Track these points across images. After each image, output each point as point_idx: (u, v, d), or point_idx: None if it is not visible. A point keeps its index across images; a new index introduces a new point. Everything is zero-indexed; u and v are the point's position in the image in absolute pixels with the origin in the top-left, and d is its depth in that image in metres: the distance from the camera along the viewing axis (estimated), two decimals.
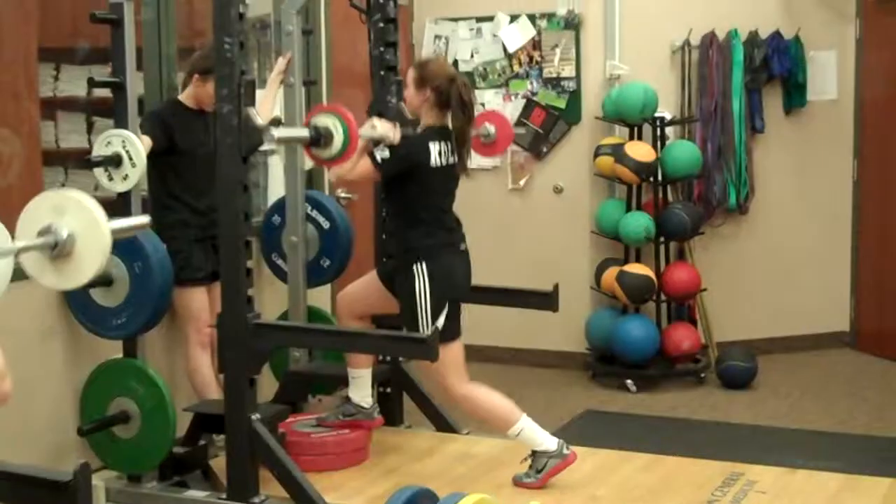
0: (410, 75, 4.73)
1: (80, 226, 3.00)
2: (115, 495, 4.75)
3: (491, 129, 5.60)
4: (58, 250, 2.99)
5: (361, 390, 5.02)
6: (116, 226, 3.12)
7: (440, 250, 4.62)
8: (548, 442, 4.66)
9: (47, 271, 3.06)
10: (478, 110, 5.35)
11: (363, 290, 4.98)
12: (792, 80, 7.37)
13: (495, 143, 5.65)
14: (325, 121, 4.34)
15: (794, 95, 7.43)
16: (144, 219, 3.49)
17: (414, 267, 4.59)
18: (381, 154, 4.55)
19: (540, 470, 4.63)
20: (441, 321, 4.59)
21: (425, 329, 4.57)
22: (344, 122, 4.32)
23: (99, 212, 3.01)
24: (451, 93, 4.62)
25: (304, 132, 4.35)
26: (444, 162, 4.66)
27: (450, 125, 4.68)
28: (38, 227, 3.02)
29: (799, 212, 7.53)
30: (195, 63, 5.17)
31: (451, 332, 4.63)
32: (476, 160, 7.16)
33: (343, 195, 6.44)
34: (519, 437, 4.66)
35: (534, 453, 4.66)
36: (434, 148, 4.62)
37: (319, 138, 4.32)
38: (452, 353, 4.66)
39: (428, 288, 4.58)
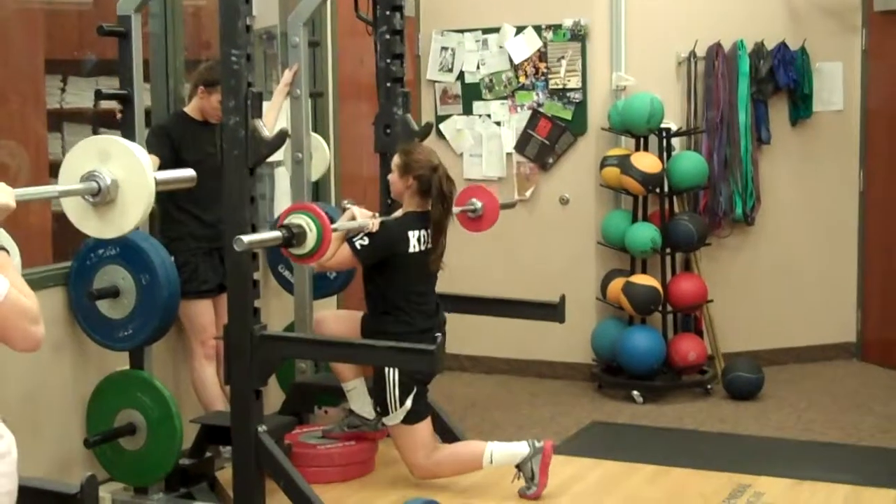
0: (395, 161, 4.86)
1: (125, 172, 2.98)
2: None
3: (478, 203, 5.62)
4: (101, 196, 2.97)
5: (359, 401, 5.03)
6: (161, 177, 3.10)
7: (412, 337, 4.64)
8: (520, 450, 4.71)
9: (89, 218, 3.04)
10: (465, 184, 5.38)
11: (344, 325, 4.98)
12: (798, 91, 7.37)
13: (482, 217, 5.66)
14: (298, 220, 4.37)
15: (801, 106, 7.43)
16: (189, 172, 3.44)
17: None
18: (360, 241, 4.63)
19: (531, 477, 4.66)
20: (409, 403, 4.69)
21: (394, 411, 4.69)
22: (317, 220, 4.35)
23: (145, 160, 2.99)
24: (433, 182, 4.74)
25: (276, 234, 4.37)
26: (423, 248, 4.76)
27: (430, 211, 4.77)
28: (82, 172, 3.00)
29: (805, 223, 7.53)
30: (200, 75, 5.18)
31: (418, 414, 4.73)
32: (482, 170, 7.22)
33: (348, 205, 6.43)
34: (494, 462, 4.74)
35: (518, 467, 4.68)
36: (413, 235, 4.73)
37: (292, 238, 4.35)
38: (420, 434, 4.77)
39: (396, 373, 4.66)
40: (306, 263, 4.71)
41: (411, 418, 4.70)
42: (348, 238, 4.64)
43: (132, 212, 3.03)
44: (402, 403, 4.66)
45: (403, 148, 4.95)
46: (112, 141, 3.10)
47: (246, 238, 4.22)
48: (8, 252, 2.52)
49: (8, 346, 2.44)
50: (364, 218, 4.67)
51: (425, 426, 4.78)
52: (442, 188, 4.74)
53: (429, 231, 4.77)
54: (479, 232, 5.72)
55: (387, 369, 4.66)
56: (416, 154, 4.83)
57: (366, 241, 4.63)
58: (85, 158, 3.03)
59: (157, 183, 3.12)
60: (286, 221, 4.39)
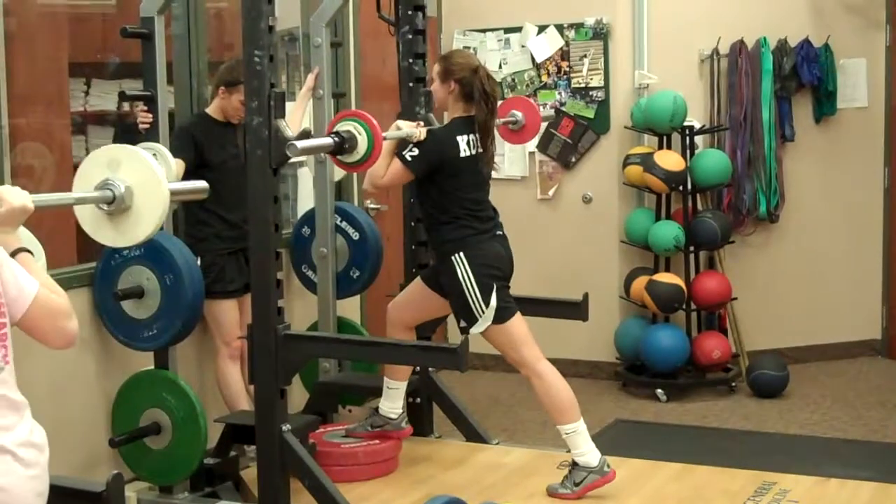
0: (435, 68, 4.78)
1: (139, 181, 2.98)
2: None
3: (518, 115, 5.60)
4: (115, 205, 2.97)
5: (394, 402, 5.03)
6: (174, 188, 3.10)
7: (475, 238, 4.62)
8: (591, 455, 4.63)
9: (104, 227, 3.04)
10: (508, 94, 5.34)
11: (410, 296, 4.97)
12: (822, 88, 7.34)
13: (524, 129, 5.65)
14: (347, 126, 4.35)
15: (825, 103, 7.40)
16: (202, 184, 3.45)
17: (452, 258, 4.60)
18: (410, 153, 4.57)
19: (578, 483, 4.61)
20: (493, 301, 4.59)
21: (480, 314, 4.58)
22: (366, 125, 4.33)
23: (157, 167, 2.99)
24: (475, 84, 4.66)
25: (327, 140, 4.36)
26: (473, 152, 4.68)
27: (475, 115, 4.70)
28: (96, 181, 3.00)
29: (829, 220, 7.50)
30: (221, 75, 5.21)
31: (507, 310, 4.63)
32: (505, 169, 7.21)
33: (372, 206, 6.46)
34: (569, 437, 4.64)
35: (574, 464, 4.64)
36: (462, 140, 4.65)
37: (343, 144, 4.32)
38: (516, 329, 4.67)
39: (471, 273, 4.58)
40: (357, 171, 4.62)
41: (502, 315, 4.59)
42: (397, 152, 4.57)
43: (147, 220, 3.03)
44: (487, 304, 4.56)
45: (442, 55, 4.91)
46: (126, 150, 3.12)
47: (300, 143, 4.22)
48: (32, 253, 2.54)
49: (44, 344, 2.47)
50: (410, 128, 4.61)
51: (519, 320, 4.68)
52: (484, 88, 4.65)
53: (477, 135, 4.68)
54: (521, 144, 5.67)
55: (460, 271, 4.57)
56: (456, 58, 4.77)
57: (416, 152, 4.55)
58: (99, 167, 3.04)
59: (172, 194, 3.12)
60: (336, 128, 4.37)
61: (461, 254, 4.60)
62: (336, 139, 4.33)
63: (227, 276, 5.16)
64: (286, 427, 4.48)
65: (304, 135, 4.53)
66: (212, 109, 5.22)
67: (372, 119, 4.33)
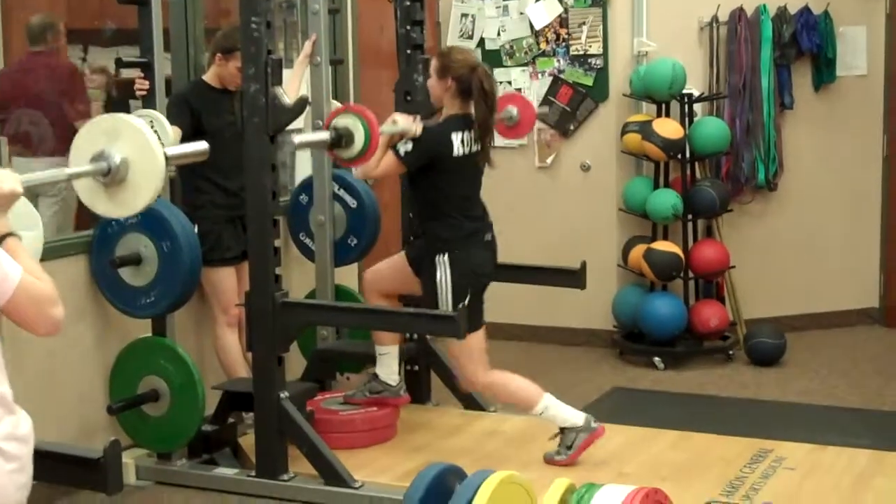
0: (433, 64, 4.75)
1: (134, 151, 2.97)
2: (145, 473, 4.80)
3: (514, 111, 5.61)
4: (111, 176, 2.96)
5: (388, 367, 5.04)
6: (173, 152, 3.09)
7: (464, 241, 4.63)
8: (574, 417, 4.68)
9: (101, 198, 3.03)
10: (501, 91, 5.35)
11: (390, 269, 4.99)
12: (821, 56, 7.31)
13: (518, 125, 5.66)
14: (346, 121, 4.36)
15: (824, 71, 7.37)
16: (203, 145, 3.43)
17: (437, 258, 4.62)
18: (404, 147, 4.58)
19: (570, 446, 4.65)
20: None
21: None
22: (364, 121, 4.35)
23: (152, 136, 2.98)
24: (473, 82, 4.64)
25: (324, 135, 4.38)
26: (466, 151, 4.68)
27: (472, 113, 4.69)
28: (91, 152, 2.99)
29: (828, 188, 7.49)
30: (217, 42, 5.18)
31: (471, 322, 4.65)
32: (501, 138, 7.19)
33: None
34: (544, 415, 4.69)
35: (562, 430, 4.68)
36: (456, 138, 4.65)
37: (340, 139, 4.35)
38: (473, 343, 4.70)
39: (449, 279, 4.62)
40: (353, 165, 4.65)
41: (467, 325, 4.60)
42: (392, 145, 4.59)
43: (144, 190, 3.02)
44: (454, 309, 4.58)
45: (440, 50, 4.90)
46: (120, 119, 3.10)
47: (296, 138, 4.23)
48: (20, 238, 2.50)
49: (29, 331, 2.43)
50: (406, 122, 4.61)
51: (478, 336, 4.71)
52: (483, 86, 4.64)
53: (472, 133, 4.68)
54: (517, 139, 5.69)
55: (439, 274, 4.60)
56: (455, 54, 4.75)
57: (410, 147, 4.57)
58: (94, 138, 3.02)
59: (170, 158, 3.10)
60: (333, 123, 4.38)
61: (446, 256, 4.61)
62: (333, 134, 4.34)
63: (225, 243, 5.16)
64: (284, 394, 4.50)
65: (302, 102, 4.52)
66: (208, 76, 5.19)
67: (370, 114, 4.34)
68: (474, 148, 4.71)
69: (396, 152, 4.57)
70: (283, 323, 4.51)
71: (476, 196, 4.82)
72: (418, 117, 4.72)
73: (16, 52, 4.91)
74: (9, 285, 2.33)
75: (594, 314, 7.15)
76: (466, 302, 4.60)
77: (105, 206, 3.07)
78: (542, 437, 4.84)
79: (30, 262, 2.44)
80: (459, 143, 4.65)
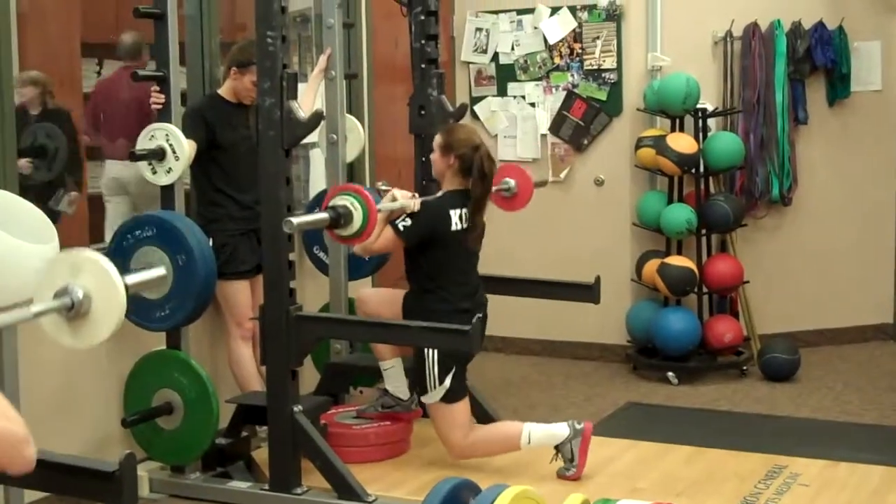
0: (437, 140, 4.85)
1: (96, 285, 3.03)
2: (159, 486, 4.80)
3: (511, 182, 5.63)
4: (74, 311, 3.01)
5: (395, 381, 5.04)
6: (133, 280, 3.15)
7: (453, 316, 4.64)
8: (559, 431, 4.71)
9: (64, 332, 3.09)
10: (499, 163, 5.41)
11: (386, 304, 4.96)
12: (836, 71, 7.31)
13: (516, 196, 5.67)
14: (343, 201, 4.39)
15: (838, 86, 7.37)
16: (161, 271, 3.51)
17: None
18: (403, 223, 4.63)
19: (571, 458, 4.66)
20: (447, 382, 4.68)
21: (432, 389, 4.67)
22: (362, 200, 4.38)
23: (113, 271, 3.03)
24: (475, 162, 4.73)
25: (323, 216, 4.40)
26: (464, 226, 4.76)
27: (470, 190, 4.77)
28: (55, 288, 3.04)
29: (842, 203, 7.47)
30: (232, 56, 5.20)
31: (456, 393, 4.72)
32: (516, 151, 7.21)
33: (384, 187, 6.45)
34: (532, 443, 4.74)
35: (557, 448, 4.69)
36: (455, 214, 4.73)
37: (339, 219, 4.37)
38: (458, 413, 4.77)
39: (435, 352, 4.66)
40: (351, 244, 4.70)
41: (450, 397, 4.70)
42: (391, 221, 4.64)
43: (104, 324, 3.08)
44: (441, 382, 4.66)
45: (445, 127, 4.96)
46: (82, 255, 3.16)
47: (295, 220, 4.26)
48: None
49: (3, 471, 2.39)
50: (405, 199, 4.67)
51: (463, 406, 4.78)
52: (483, 167, 4.73)
53: (469, 209, 4.76)
54: (514, 211, 5.73)
55: (426, 350, 4.66)
56: (459, 133, 4.83)
57: (408, 222, 4.63)
58: (58, 273, 3.09)
59: (129, 287, 3.16)
60: (331, 203, 4.41)
61: None
62: (332, 214, 4.36)
63: (240, 256, 5.17)
64: (298, 408, 4.50)
65: (317, 116, 4.53)
66: (224, 90, 5.21)
67: (367, 194, 4.40)
68: (470, 224, 4.78)
69: (395, 228, 4.63)
70: (297, 337, 4.51)
71: (472, 271, 4.89)
72: (416, 194, 4.79)
73: (31, 64, 4.93)
74: None
75: (608, 329, 7.14)
76: (452, 372, 4.67)
77: (70, 339, 3.12)
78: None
79: (1, 403, 2.39)
80: (458, 218, 4.73)
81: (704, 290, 6.85)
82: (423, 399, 4.78)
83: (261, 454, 4.84)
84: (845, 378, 6.74)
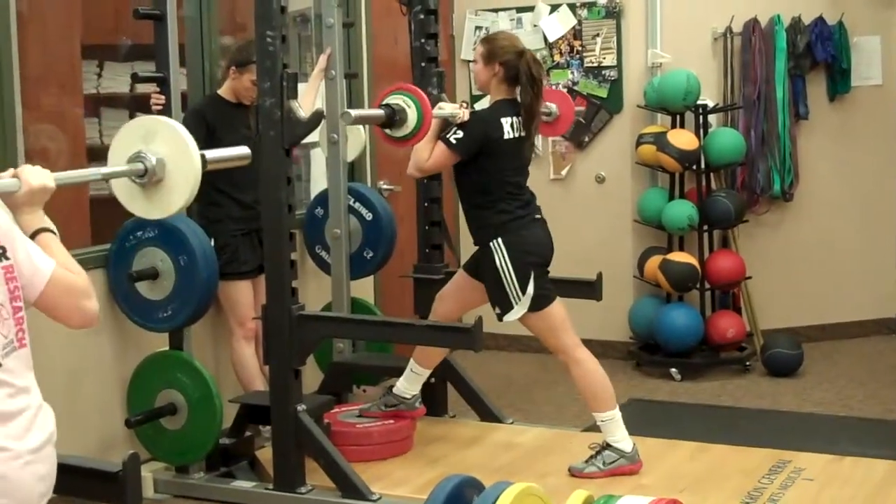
0: (479, 50, 4.71)
1: (172, 153, 2.97)
2: (163, 486, 4.81)
3: (553, 107, 5.57)
4: (147, 177, 2.96)
5: (412, 385, 5.03)
6: (213, 155, 3.10)
7: (514, 223, 4.60)
8: (625, 442, 4.67)
9: (137, 200, 3.04)
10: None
11: (455, 288, 4.94)
12: (836, 66, 7.31)
13: (558, 121, 5.63)
14: (397, 100, 4.36)
15: (839, 81, 7.37)
16: (244, 150, 3.42)
17: (491, 244, 4.58)
18: (454, 136, 4.52)
19: (608, 464, 4.63)
20: (530, 289, 4.57)
21: (517, 302, 4.56)
22: (416, 98, 4.34)
23: (190, 139, 2.99)
24: (521, 68, 4.61)
25: (379, 112, 4.37)
26: (516, 135, 4.64)
27: (518, 99, 4.66)
28: (130, 153, 3.00)
29: (844, 198, 7.47)
30: (231, 56, 5.21)
31: (545, 298, 4.62)
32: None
33: (386, 187, 6.47)
34: (604, 424, 4.68)
35: (607, 446, 4.65)
36: (506, 122, 4.61)
37: (394, 116, 4.33)
38: (554, 316, 4.67)
39: (509, 260, 4.56)
40: (404, 146, 4.58)
41: (540, 303, 4.58)
42: (441, 136, 4.54)
43: (179, 192, 3.02)
44: (524, 291, 4.54)
45: (486, 36, 4.86)
46: (158, 121, 3.11)
47: (354, 112, 4.23)
48: (55, 233, 2.55)
49: (63, 324, 2.46)
50: (453, 107, 4.57)
51: (557, 307, 4.67)
52: (531, 72, 4.60)
53: (520, 118, 4.64)
54: (556, 136, 5.65)
55: (498, 259, 4.54)
56: (501, 40, 4.71)
57: (460, 134, 4.51)
58: (132, 140, 3.04)
59: (209, 161, 3.10)
60: (386, 101, 4.37)
61: (500, 240, 4.57)
62: (387, 111, 4.33)
63: (241, 256, 5.17)
64: (301, 407, 4.50)
65: (317, 116, 4.53)
66: (223, 91, 5.22)
67: (422, 93, 4.34)
68: (522, 133, 4.66)
69: (447, 142, 4.51)
70: (299, 336, 4.52)
71: (525, 181, 4.76)
72: (464, 103, 4.70)
73: (32, 65, 4.93)
74: (41, 279, 2.37)
75: (610, 325, 7.14)
76: (532, 278, 4.56)
77: (142, 206, 3.07)
78: (559, 449, 4.84)
79: (63, 256, 2.47)
80: (509, 126, 4.60)
81: (706, 285, 6.85)
82: (511, 317, 4.61)
83: (264, 453, 4.85)
84: (848, 373, 6.74)
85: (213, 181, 5.13)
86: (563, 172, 7.27)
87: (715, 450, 5.05)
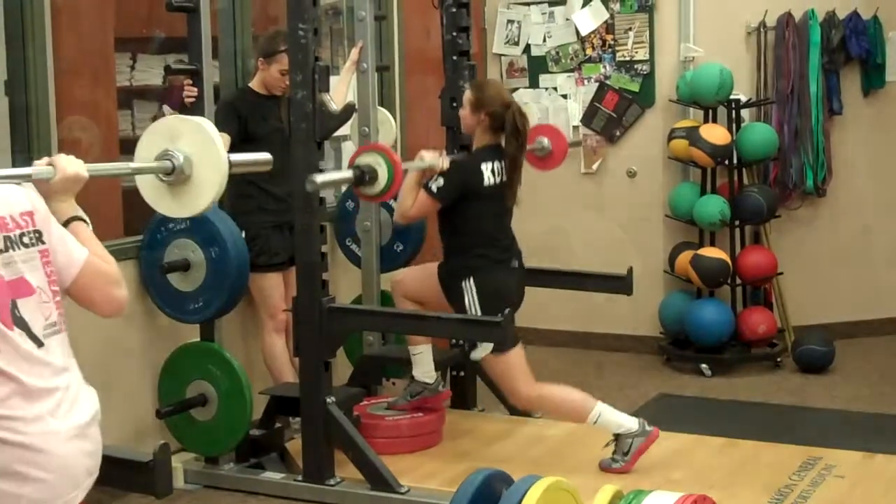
0: (467, 97, 4.81)
1: (199, 153, 2.99)
2: (193, 477, 4.83)
3: (545, 141, 5.61)
4: (175, 175, 2.98)
5: (423, 366, 5.05)
6: (236, 159, 3.11)
7: (490, 267, 4.65)
8: (628, 423, 4.66)
9: (164, 198, 3.05)
10: (533, 121, 5.39)
11: (420, 280, 4.98)
12: (870, 61, 7.25)
13: (550, 156, 5.65)
14: (368, 159, 4.39)
15: (873, 76, 7.31)
16: (266, 156, 3.45)
17: (463, 283, 4.65)
18: (436, 184, 4.60)
19: (626, 452, 4.63)
20: None
21: (481, 343, 4.63)
22: (386, 157, 4.37)
23: (217, 138, 3.01)
24: (506, 118, 4.69)
25: (348, 173, 4.41)
26: (496, 181, 4.72)
27: (502, 144, 4.73)
28: (155, 152, 3.01)
29: (877, 194, 7.42)
30: (260, 47, 5.22)
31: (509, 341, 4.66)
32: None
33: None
34: (598, 423, 4.66)
35: (616, 437, 4.65)
36: (486, 168, 4.69)
37: (363, 176, 4.37)
38: (514, 360, 4.71)
39: (477, 303, 4.64)
40: (378, 202, 4.68)
41: (504, 346, 4.62)
42: (424, 185, 4.61)
43: (206, 191, 3.04)
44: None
45: (475, 83, 4.93)
46: (186, 121, 3.12)
47: (318, 178, 4.25)
48: (87, 222, 2.57)
49: (93, 312, 2.49)
50: (432, 157, 4.62)
51: (518, 352, 4.70)
52: (516, 124, 4.68)
53: (503, 163, 4.71)
54: (547, 171, 5.69)
55: (467, 299, 4.62)
56: (489, 89, 4.79)
57: (441, 182, 4.59)
58: (160, 138, 3.05)
59: (232, 165, 3.12)
60: (357, 162, 4.40)
61: (471, 280, 4.63)
62: (356, 172, 4.36)
63: (272, 249, 5.18)
64: (331, 399, 4.52)
65: (349, 108, 4.54)
66: (255, 83, 5.23)
67: (392, 152, 4.38)
68: (504, 178, 4.73)
69: (429, 190, 4.61)
70: (329, 328, 4.53)
71: (507, 224, 4.85)
72: (443, 151, 4.76)
73: (66, 57, 4.95)
74: (75, 267, 2.40)
75: (641, 320, 7.13)
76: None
77: (168, 205, 3.09)
78: (588, 442, 4.83)
79: (95, 245, 2.50)
80: (490, 173, 4.69)
81: (738, 281, 6.82)
82: (474, 355, 4.69)
83: (294, 445, 4.86)
84: (881, 369, 6.70)
85: (245, 173, 5.14)
86: (595, 167, 7.25)
87: (745, 446, 5.03)
